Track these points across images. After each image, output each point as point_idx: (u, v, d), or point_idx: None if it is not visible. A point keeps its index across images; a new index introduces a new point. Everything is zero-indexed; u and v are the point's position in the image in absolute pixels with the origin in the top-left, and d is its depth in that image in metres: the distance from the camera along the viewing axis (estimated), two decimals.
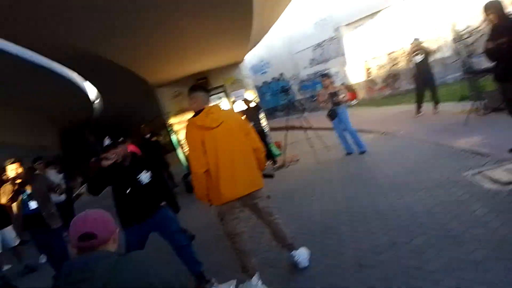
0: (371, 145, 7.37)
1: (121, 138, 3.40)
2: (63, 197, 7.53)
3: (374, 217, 3.97)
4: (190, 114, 3.30)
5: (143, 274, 1.59)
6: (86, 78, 14.64)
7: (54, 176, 7.55)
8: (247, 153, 3.23)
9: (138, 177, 3.38)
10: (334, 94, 7.24)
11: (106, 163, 3.17)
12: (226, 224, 3.24)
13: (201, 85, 3.54)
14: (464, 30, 10.84)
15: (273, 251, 3.83)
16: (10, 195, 4.55)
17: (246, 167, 3.18)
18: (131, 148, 4.64)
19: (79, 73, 13.43)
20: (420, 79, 8.78)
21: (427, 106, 8.86)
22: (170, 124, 10.28)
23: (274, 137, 10.06)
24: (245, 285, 3.25)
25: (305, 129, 8.44)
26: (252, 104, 8.42)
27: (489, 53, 4.44)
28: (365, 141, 7.44)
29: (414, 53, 8.66)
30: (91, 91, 18.80)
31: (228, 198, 3.11)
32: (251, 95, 10.20)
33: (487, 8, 4.33)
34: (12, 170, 4.65)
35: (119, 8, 4.91)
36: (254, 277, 3.20)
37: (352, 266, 3.14)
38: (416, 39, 8.82)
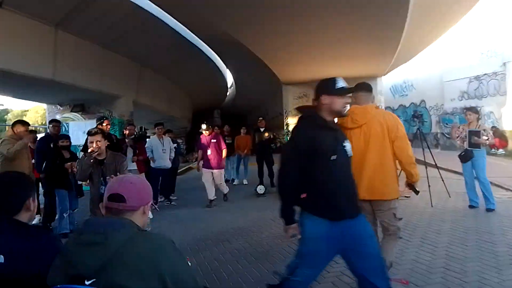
0: (504, 205, 6.16)
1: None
2: (168, 163, 8.22)
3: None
4: None
5: (156, 259, 1.44)
6: (226, 65, 15.78)
7: (169, 142, 8.26)
8: (383, 158, 3.04)
9: None
10: (474, 133, 6.12)
11: None
12: None
13: (365, 84, 3.23)
14: None
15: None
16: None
17: (375, 172, 3.02)
18: None
19: (221, 58, 14.54)
20: None
21: None
22: (287, 124, 10.25)
23: None
24: None
25: (428, 165, 7.41)
26: None
27: None
28: (499, 201, 6.27)
29: None
30: (229, 79, 20.25)
31: None
32: None
33: None
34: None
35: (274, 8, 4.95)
36: None
37: None
38: None
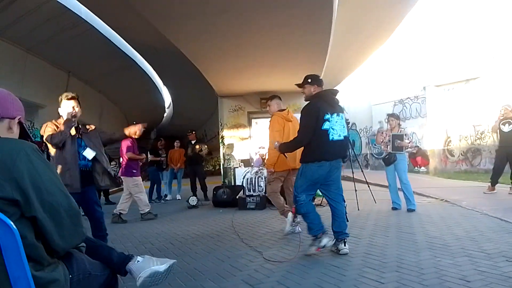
0: (424, 208, 6.46)
1: None
2: None
3: (392, 268, 3.20)
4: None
5: (9, 163, 1.20)
6: (163, 81, 15.48)
7: None
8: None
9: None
10: (398, 137, 6.43)
11: None
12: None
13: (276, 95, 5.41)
14: None
15: None
16: None
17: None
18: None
19: (158, 73, 14.25)
20: (503, 152, 7.61)
21: (504, 187, 7.66)
22: (222, 136, 10.17)
23: None
24: None
25: (356, 180, 7.55)
26: None
27: None
28: (420, 204, 6.58)
29: (503, 121, 7.56)
30: (166, 99, 19.85)
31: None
32: None
33: None
34: None
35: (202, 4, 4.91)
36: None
37: None
38: (508, 106, 7.73)
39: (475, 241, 3.98)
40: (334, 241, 3.85)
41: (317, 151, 3.70)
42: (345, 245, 3.77)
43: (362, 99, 17.68)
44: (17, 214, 1.18)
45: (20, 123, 1.46)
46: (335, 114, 3.77)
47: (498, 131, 7.75)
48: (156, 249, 4.53)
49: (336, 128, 3.74)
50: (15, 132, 1.43)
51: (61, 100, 3.53)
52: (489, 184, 7.72)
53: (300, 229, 4.67)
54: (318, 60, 7.73)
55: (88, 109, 14.25)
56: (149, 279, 1.68)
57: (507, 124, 7.50)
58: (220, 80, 9.00)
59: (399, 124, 6.68)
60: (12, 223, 1.12)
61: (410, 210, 6.12)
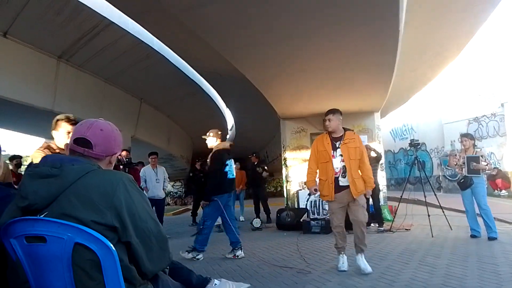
0: (507, 235, 5.93)
1: None
2: (162, 194, 8.22)
3: None
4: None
5: (110, 192, 1.34)
6: (227, 104, 15.99)
7: (163, 172, 8.31)
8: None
9: None
10: (473, 159, 5.98)
11: None
12: None
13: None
14: None
15: None
16: None
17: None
18: None
19: (222, 96, 14.78)
20: None
21: None
22: (285, 158, 10.20)
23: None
24: None
25: (428, 204, 7.12)
26: (372, 154, 7.69)
27: None
28: (502, 232, 6.06)
29: None
30: (229, 121, 20.43)
31: None
32: (377, 145, 9.33)
33: None
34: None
35: (267, 29, 5.09)
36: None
37: None
38: None
39: None
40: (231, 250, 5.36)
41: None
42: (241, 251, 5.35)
43: (432, 116, 16.79)
44: (115, 239, 1.30)
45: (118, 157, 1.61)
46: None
47: None
48: (223, 271, 4.61)
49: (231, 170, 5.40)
50: (113, 164, 1.58)
51: (58, 121, 2.83)
52: None
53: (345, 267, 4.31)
54: (383, 81, 7.54)
55: (157, 132, 15.19)
56: None
57: None
58: (283, 103, 9.10)
59: (474, 145, 6.24)
60: (112, 245, 1.24)
61: (491, 238, 5.62)
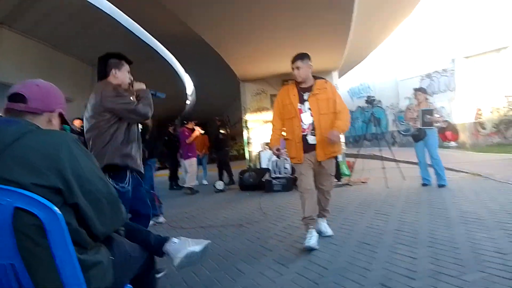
0: (455, 183, 6.32)
1: None
2: None
3: (424, 243, 3.17)
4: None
5: (53, 154, 1.26)
6: (186, 69, 15.56)
7: None
8: None
9: None
10: (427, 112, 6.24)
11: None
12: None
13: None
14: None
15: None
16: None
17: None
18: None
19: (180, 61, 14.33)
20: None
21: None
22: (246, 120, 10.21)
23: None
24: None
25: (383, 158, 7.44)
26: None
27: None
28: (451, 180, 6.45)
29: None
30: (189, 87, 19.97)
31: None
32: None
33: None
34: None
35: None
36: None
37: (374, 284, 2.47)
38: None
39: (511, 214, 3.87)
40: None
41: None
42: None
43: (387, 75, 17.23)
44: (61, 202, 1.24)
45: (61, 114, 1.51)
46: None
47: None
48: (187, 233, 4.64)
49: None
50: (55, 124, 1.49)
51: (122, 63, 2.76)
52: None
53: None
54: (340, 39, 7.58)
55: None
56: (185, 260, 1.75)
57: None
58: (241, 65, 8.98)
59: (427, 99, 6.49)
60: (56, 208, 1.18)
61: (441, 186, 6.00)
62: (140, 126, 5.23)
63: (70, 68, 11.12)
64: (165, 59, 13.53)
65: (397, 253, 3.01)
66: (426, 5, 12.65)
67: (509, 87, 12.14)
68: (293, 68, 3.53)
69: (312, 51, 7.96)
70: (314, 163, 3.54)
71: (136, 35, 10.78)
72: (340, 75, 13.56)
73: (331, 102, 3.51)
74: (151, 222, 5.07)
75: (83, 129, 7.20)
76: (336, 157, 3.78)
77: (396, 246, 3.20)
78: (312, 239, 3.32)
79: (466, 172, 7.37)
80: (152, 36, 11.06)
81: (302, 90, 3.55)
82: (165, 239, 1.82)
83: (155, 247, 1.79)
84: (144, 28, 10.38)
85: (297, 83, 3.59)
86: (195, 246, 1.79)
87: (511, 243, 2.92)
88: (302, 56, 3.51)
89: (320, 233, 3.63)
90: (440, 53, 14.50)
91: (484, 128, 13.35)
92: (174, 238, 1.83)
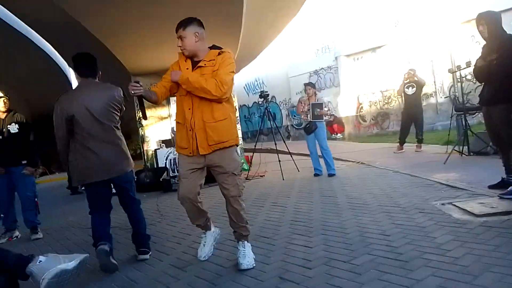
0: (343, 171, 6.83)
1: None
2: None
3: (318, 232, 3.29)
4: None
5: None
6: (68, 63, 14.09)
7: None
8: None
9: None
10: (317, 105, 6.59)
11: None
12: None
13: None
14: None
15: None
16: None
17: None
18: None
19: (61, 53, 12.89)
20: (408, 114, 8.28)
21: (410, 146, 8.40)
22: (139, 117, 9.63)
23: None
24: None
25: (279, 152, 7.66)
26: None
27: (478, 72, 3.92)
28: (339, 169, 6.94)
29: (407, 84, 8.19)
30: (74, 78, 18.19)
31: None
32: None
33: (478, 19, 3.83)
34: None
35: None
36: None
37: (272, 277, 2.44)
38: (411, 70, 8.35)
39: (390, 197, 4.26)
40: None
41: None
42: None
43: (279, 71, 17.94)
44: None
45: None
46: None
47: (402, 94, 8.39)
48: (72, 244, 4.16)
49: None
50: None
51: None
52: (398, 144, 8.37)
53: None
54: (232, 32, 7.55)
55: None
56: (54, 280, 1.45)
57: (410, 88, 8.14)
58: (130, 57, 8.42)
59: (315, 93, 6.86)
60: None
61: (331, 175, 6.40)
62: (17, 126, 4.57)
63: None
64: (43, 50, 12.03)
65: (293, 243, 3.06)
66: (311, 7, 13.43)
67: (384, 83, 13.61)
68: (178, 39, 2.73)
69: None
70: (205, 162, 2.72)
71: (2, 19, 9.35)
72: (236, 71, 13.68)
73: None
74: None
75: None
76: (229, 147, 2.72)
77: (292, 236, 3.26)
78: (204, 249, 3.01)
79: (352, 161, 8.01)
80: (24, 22, 9.69)
81: (194, 65, 2.71)
82: (29, 259, 1.49)
83: (16, 269, 1.46)
84: (12, 12, 9.03)
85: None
86: (67, 262, 1.50)
87: (392, 225, 3.19)
88: (185, 23, 2.69)
89: (240, 265, 2.67)
90: (326, 52, 15.61)
91: (364, 121, 14.78)
92: (40, 256, 1.52)
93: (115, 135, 3.12)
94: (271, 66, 18.11)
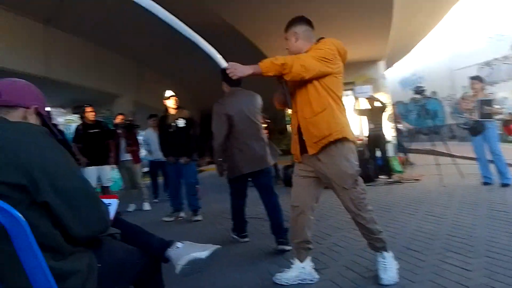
0: None
1: None
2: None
3: (480, 252, 2.74)
4: None
5: (14, 147, 1.12)
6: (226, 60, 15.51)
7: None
8: None
9: None
10: (486, 102, 5.61)
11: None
12: None
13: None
14: None
15: None
16: None
17: None
18: None
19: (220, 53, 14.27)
20: None
21: None
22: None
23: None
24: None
25: (439, 153, 6.81)
26: (377, 104, 7.34)
27: None
28: None
29: None
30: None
31: None
32: (382, 97, 8.79)
33: None
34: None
35: None
36: None
37: None
38: None
39: None
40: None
41: None
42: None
43: (441, 64, 16.09)
44: (26, 201, 1.09)
45: (40, 114, 1.37)
46: None
47: None
48: (224, 229, 4.47)
49: None
50: (31, 122, 1.35)
51: None
52: None
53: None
54: (382, 25, 7.09)
55: (161, 95, 14.87)
56: (188, 267, 1.55)
57: None
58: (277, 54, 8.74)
59: (484, 88, 5.84)
60: (16, 211, 1.02)
61: (504, 185, 5.36)
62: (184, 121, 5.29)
63: (116, 64, 11.43)
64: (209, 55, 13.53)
65: (447, 262, 2.62)
66: None
67: None
68: None
69: (353, 38, 7.58)
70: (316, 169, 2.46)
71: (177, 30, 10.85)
72: (390, 65, 12.80)
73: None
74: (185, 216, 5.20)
75: (129, 122, 7.30)
76: (335, 142, 2.32)
77: (447, 254, 2.80)
78: (286, 274, 2.58)
79: None
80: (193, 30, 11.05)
81: None
82: (169, 243, 1.63)
83: (157, 252, 1.61)
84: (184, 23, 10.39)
85: None
86: (201, 251, 1.58)
87: None
88: (288, 24, 2.59)
89: (380, 279, 2.38)
90: (499, 39, 13.27)
91: None
92: (178, 243, 1.63)
93: (263, 133, 3.71)
94: (430, 58, 16.42)
